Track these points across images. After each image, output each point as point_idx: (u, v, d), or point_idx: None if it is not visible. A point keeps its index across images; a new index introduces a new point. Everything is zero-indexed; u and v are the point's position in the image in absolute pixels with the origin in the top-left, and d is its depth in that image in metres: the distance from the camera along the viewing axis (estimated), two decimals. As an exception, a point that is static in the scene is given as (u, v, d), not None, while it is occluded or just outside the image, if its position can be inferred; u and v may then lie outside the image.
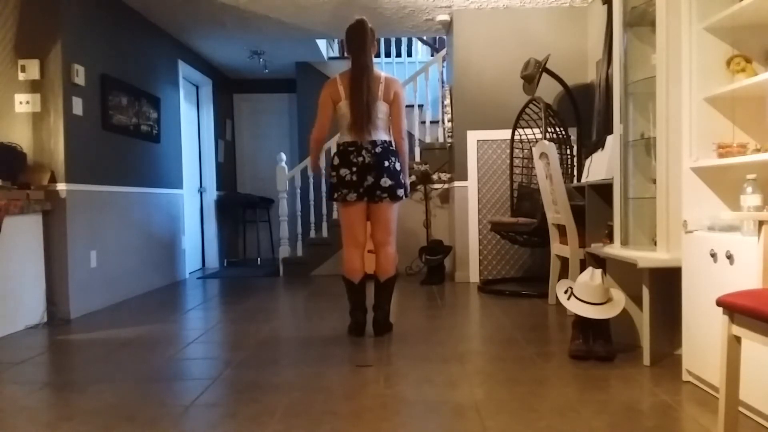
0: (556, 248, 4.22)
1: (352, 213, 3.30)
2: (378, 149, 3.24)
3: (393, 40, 7.57)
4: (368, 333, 3.42)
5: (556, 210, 4.07)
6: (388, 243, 3.36)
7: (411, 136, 6.46)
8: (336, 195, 3.28)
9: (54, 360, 3.05)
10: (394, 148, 3.31)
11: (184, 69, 6.36)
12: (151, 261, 5.40)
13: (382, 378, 2.59)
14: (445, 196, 6.08)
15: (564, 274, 4.11)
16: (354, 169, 3.23)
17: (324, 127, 3.36)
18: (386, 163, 3.24)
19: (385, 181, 3.23)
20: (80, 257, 4.24)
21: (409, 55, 7.79)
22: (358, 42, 3.27)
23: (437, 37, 7.40)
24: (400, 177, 3.29)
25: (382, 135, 3.29)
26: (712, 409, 2.14)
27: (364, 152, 3.23)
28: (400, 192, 3.29)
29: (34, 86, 4.03)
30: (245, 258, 8.06)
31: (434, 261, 5.45)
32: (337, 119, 3.36)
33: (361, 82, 3.23)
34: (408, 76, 7.00)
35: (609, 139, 3.74)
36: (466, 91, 5.46)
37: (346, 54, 3.33)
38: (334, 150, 3.40)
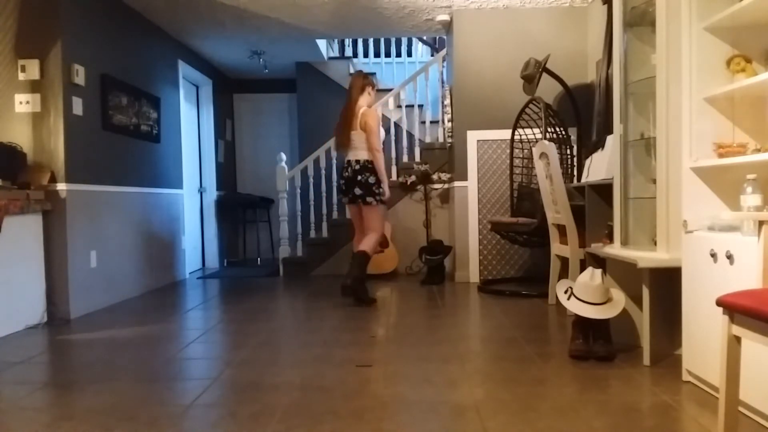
0: (556, 248, 4.22)
1: (350, 210, 4.65)
2: (356, 167, 4.40)
3: (393, 40, 7.58)
4: (368, 332, 3.43)
5: (556, 210, 4.07)
6: (371, 230, 4.47)
7: (411, 135, 6.48)
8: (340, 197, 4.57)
9: (54, 360, 3.05)
10: (370, 165, 4.38)
11: (184, 69, 6.36)
12: (151, 261, 5.40)
13: (382, 378, 2.59)
14: (445, 196, 6.09)
15: (564, 274, 4.11)
16: (343, 180, 4.49)
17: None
18: (359, 178, 4.39)
19: (357, 191, 4.40)
20: (80, 257, 4.24)
21: (409, 55, 7.79)
22: (350, 89, 4.49)
23: (437, 37, 7.40)
24: (373, 188, 4.38)
25: (360, 155, 4.41)
26: (712, 409, 2.14)
27: (349, 168, 4.45)
28: (369, 199, 4.40)
29: (34, 86, 4.04)
30: (245, 258, 8.06)
31: (434, 261, 5.45)
32: None
33: (343, 116, 4.46)
34: (408, 76, 7.00)
35: (609, 139, 3.74)
36: (466, 91, 5.46)
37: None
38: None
